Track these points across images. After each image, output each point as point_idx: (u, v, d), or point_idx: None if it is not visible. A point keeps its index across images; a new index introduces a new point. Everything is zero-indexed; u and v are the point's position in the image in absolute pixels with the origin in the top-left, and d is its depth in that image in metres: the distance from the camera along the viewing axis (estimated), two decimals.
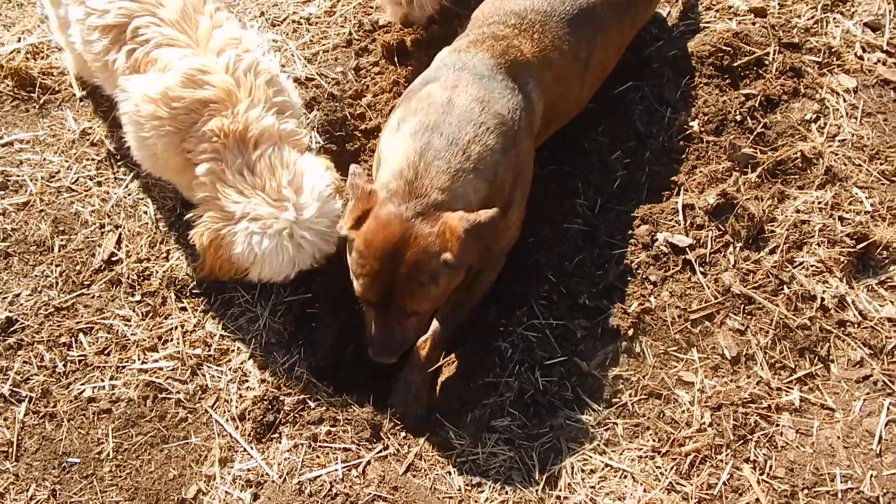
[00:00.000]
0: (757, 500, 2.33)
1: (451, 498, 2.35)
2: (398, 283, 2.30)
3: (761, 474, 2.37)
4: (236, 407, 2.54)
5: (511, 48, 2.61)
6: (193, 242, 2.46)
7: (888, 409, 2.48)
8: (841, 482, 2.35)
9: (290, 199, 2.30)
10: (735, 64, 3.16)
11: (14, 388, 2.59)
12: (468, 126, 2.39)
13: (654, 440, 2.44)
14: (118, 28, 2.41)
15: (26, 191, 2.97)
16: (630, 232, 2.82)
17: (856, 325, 2.63)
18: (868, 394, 2.52)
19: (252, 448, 2.46)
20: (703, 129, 3.03)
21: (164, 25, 2.37)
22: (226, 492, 2.39)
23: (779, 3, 3.39)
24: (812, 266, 2.73)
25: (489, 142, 2.40)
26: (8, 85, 3.22)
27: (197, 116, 2.32)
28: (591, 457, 2.42)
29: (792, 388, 2.53)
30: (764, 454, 2.41)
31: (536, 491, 2.36)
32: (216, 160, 2.32)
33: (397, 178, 2.33)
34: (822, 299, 2.65)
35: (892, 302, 2.68)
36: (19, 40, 3.35)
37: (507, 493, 2.36)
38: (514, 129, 2.48)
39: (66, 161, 3.04)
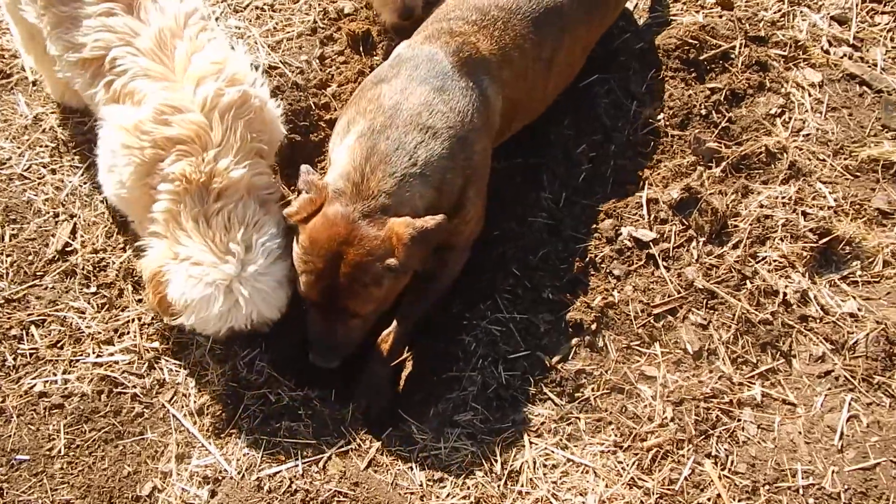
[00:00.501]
0: (718, 495, 2.33)
1: (412, 493, 2.32)
2: (341, 283, 2.27)
3: (723, 470, 2.37)
4: (195, 402, 2.49)
5: (466, 45, 2.55)
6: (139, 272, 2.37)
7: (849, 404, 2.49)
8: (802, 478, 2.36)
9: (236, 253, 2.20)
10: (701, 57, 3.15)
11: None
12: (415, 131, 2.35)
13: (616, 435, 2.43)
14: (97, 61, 2.30)
15: None
16: (594, 226, 2.80)
17: (818, 321, 2.64)
18: (829, 389, 2.53)
19: (210, 444, 2.41)
20: (668, 122, 3.02)
21: (139, 56, 2.26)
22: (182, 489, 2.34)
23: None
24: (775, 261, 2.73)
25: (436, 147, 2.36)
26: None
27: (164, 154, 2.21)
28: (553, 451, 2.41)
29: (754, 384, 2.53)
30: (725, 449, 2.41)
31: (498, 486, 2.34)
32: (175, 202, 2.22)
33: (344, 179, 2.30)
34: (785, 294, 2.66)
35: (854, 297, 2.69)
36: None
37: (468, 488, 2.33)
38: (464, 132, 2.43)
39: (19, 147, 2.95)
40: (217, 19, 3.23)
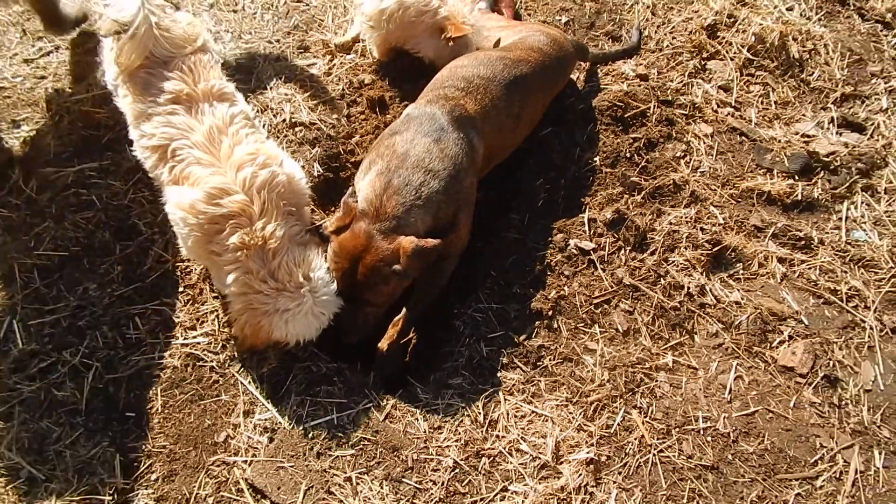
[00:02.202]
0: (642, 436, 2.31)
1: (418, 438, 2.29)
2: (360, 280, 2.27)
3: (645, 417, 2.36)
4: (257, 372, 2.44)
5: (457, 106, 2.52)
6: (230, 327, 2.28)
7: (735, 368, 2.49)
8: (703, 422, 2.35)
9: (305, 287, 2.13)
10: (626, 115, 3.13)
11: (84, 360, 2.46)
12: (420, 172, 2.33)
13: (567, 393, 2.41)
14: (162, 148, 2.23)
15: (94, 207, 2.81)
16: (550, 238, 2.77)
17: (712, 307, 2.63)
18: (721, 357, 2.52)
19: (268, 403, 2.37)
20: (602, 163, 3.00)
21: (194, 148, 2.18)
22: (248, 436, 2.30)
23: (657, 71, 3.37)
24: (681, 263, 2.72)
25: (434, 185, 2.33)
26: (79, 125, 3.05)
27: (220, 227, 2.12)
28: (521, 405, 2.38)
29: (667, 353, 2.52)
30: (647, 402, 2.39)
31: (482, 431, 2.32)
32: (243, 271, 2.13)
33: (367, 204, 2.29)
34: (688, 288, 2.65)
35: (737, 290, 2.69)
36: (88, 91, 3.17)
37: (460, 433, 2.31)
38: (456, 172, 2.40)
39: (125, 185, 2.89)
40: (272, 88, 3.19)
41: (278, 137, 3.02)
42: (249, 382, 2.41)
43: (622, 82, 3.28)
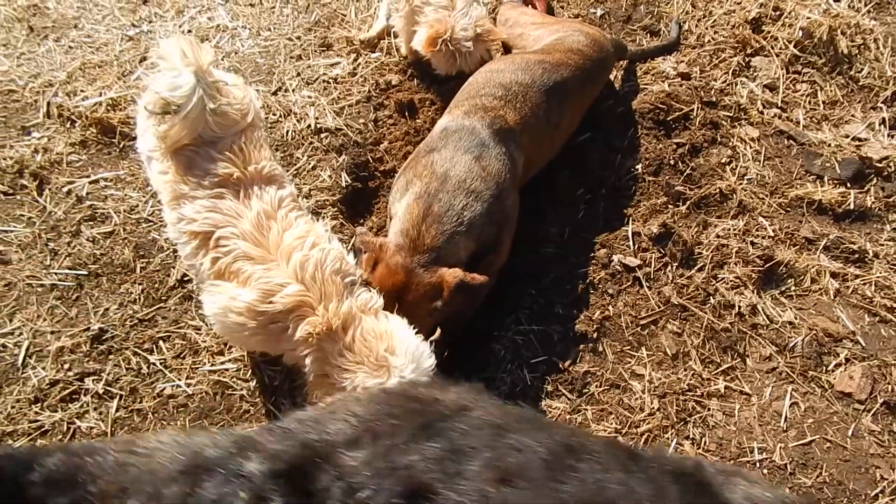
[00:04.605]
0: None
1: None
2: (401, 315, 2.04)
3: (698, 449, 2.20)
4: (290, 401, 2.28)
5: (497, 118, 2.31)
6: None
7: (791, 394, 2.32)
8: (758, 454, 2.20)
9: (389, 363, 1.82)
10: (668, 118, 2.91)
11: (107, 388, 2.29)
12: (461, 195, 2.13)
13: (616, 423, 2.25)
14: (204, 235, 1.94)
15: (111, 221, 2.62)
16: (592, 254, 2.58)
17: (765, 328, 2.45)
18: (775, 382, 2.35)
19: None
20: (645, 171, 2.79)
21: (241, 239, 1.90)
22: None
23: (699, 69, 3.13)
24: (731, 281, 2.53)
25: (477, 209, 2.13)
26: (93, 132, 2.84)
27: (284, 324, 1.87)
28: None
29: (718, 379, 2.35)
30: (699, 432, 2.23)
31: None
32: (319, 358, 1.87)
33: (404, 236, 2.09)
34: (739, 307, 2.47)
35: (791, 308, 2.50)
36: (101, 94, 2.95)
37: None
38: (499, 191, 2.20)
39: (144, 196, 2.69)
40: (294, 91, 2.97)
41: (303, 144, 2.81)
42: (283, 413, 2.25)
43: (663, 81, 3.04)
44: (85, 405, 2.26)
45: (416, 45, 2.76)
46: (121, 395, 2.28)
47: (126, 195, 2.69)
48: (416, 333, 2.11)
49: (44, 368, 2.30)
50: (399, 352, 1.82)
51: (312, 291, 1.86)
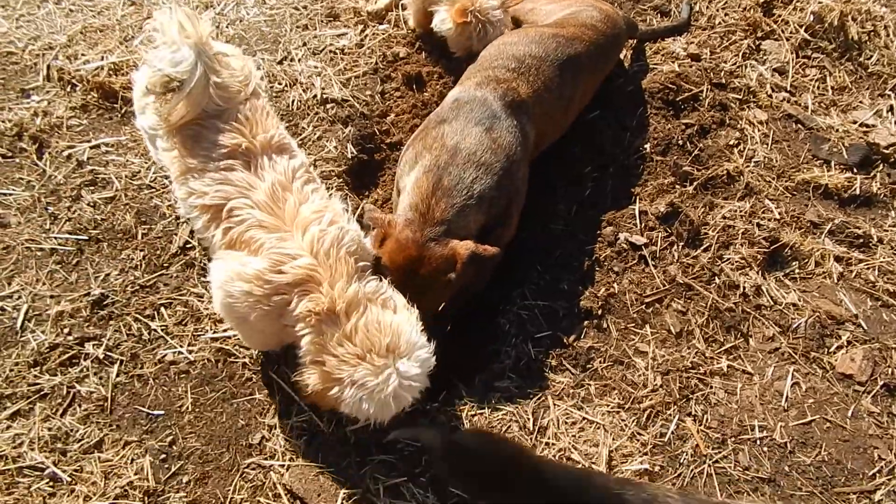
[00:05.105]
0: (696, 445, 2.16)
1: None
2: (414, 290, 2.02)
3: (700, 425, 2.20)
4: (293, 370, 2.26)
5: (510, 90, 2.28)
6: (301, 388, 1.92)
7: (792, 374, 2.32)
8: (759, 432, 2.20)
9: (391, 364, 1.74)
10: (677, 98, 2.89)
11: (107, 353, 2.26)
12: (471, 168, 2.09)
13: (619, 398, 2.24)
14: (216, 208, 1.88)
15: (113, 187, 2.58)
16: (598, 232, 2.57)
17: (768, 309, 2.45)
18: (777, 362, 2.35)
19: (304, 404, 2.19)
20: (653, 150, 2.77)
21: (255, 208, 1.85)
22: (285, 438, 2.13)
23: (710, 51, 3.10)
24: (736, 261, 2.52)
25: (487, 181, 2.10)
26: (94, 97, 2.78)
27: (288, 297, 1.79)
28: (571, 411, 2.22)
29: (721, 358, 2.34)
30: (701, 409, 2.23)
31: (531, 439, 2.16)
32: (316, 333, 1.79)
33: (413, 210, 2.06)
34: (744, 288, 2.46)
35: (795, 290, 2.50)
36: (102, 58, 2.89)
37: None
38: (510, 164, 2.18)
39: (146, 162, 2.64)
40: (300, 60, 2.91)
41: (308, 115, 2.76)
42: (285, 381, 2.23)
43: (673, 62, 3.02)
44: (85, 370, 2.23)
45: (437, 24, 2.71)
46: (121, 361, 2.25)
47: (128, 161, 2.64)
48: (431, 309, 2.08)
49: (43, 332, 2.27)
50: (402, 350, 1.74)
51: (323, 268, 1.80)
